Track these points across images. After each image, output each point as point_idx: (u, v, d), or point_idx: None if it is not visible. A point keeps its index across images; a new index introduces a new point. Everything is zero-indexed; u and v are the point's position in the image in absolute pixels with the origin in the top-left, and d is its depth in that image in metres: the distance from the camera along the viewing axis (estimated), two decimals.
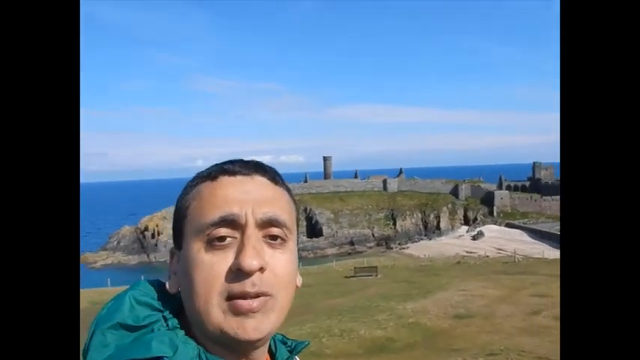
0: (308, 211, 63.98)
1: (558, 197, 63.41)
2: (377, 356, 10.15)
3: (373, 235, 63.41)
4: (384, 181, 70.81)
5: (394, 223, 64.79)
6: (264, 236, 0.65)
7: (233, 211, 0.63)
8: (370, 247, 59.95)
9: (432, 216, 65.26)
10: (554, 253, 40.34)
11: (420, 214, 66.06)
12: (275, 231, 0.65)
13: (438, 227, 64.15)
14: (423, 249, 52.02)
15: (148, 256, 58.12)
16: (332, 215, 64.09)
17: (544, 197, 64.66)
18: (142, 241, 59.94)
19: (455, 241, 56.95)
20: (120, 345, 0.61)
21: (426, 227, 65.06)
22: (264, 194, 0.66)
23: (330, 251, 58.10)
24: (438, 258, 41.37)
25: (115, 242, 61.31)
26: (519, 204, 65.61)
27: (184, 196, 0.69)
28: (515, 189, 69.49)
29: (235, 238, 0.63)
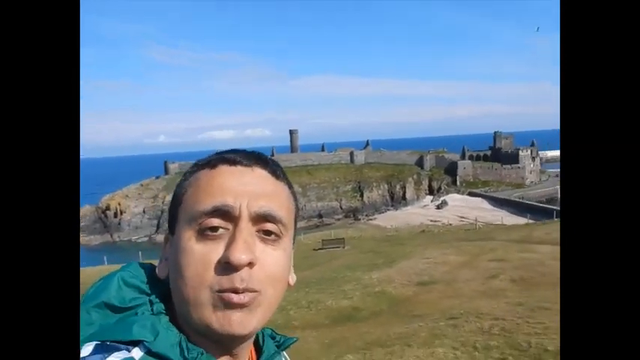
0: None
1: (517, 165, 65.70)
2: (343, 325, 10.41)
3: (341, 208, 64.08)
4: (351, 154, 71.20)
5: (361, 195, 65.58)
6: (258, 230, 0.63)
7: (227, 201, 0.62)
8: (338, 220, 60.66)
9: (398, 187, 66.37)
10: (512, 219, 42.05)
11: (386, 186, 67.06)
12: (269, 226, 0.63)
13: (404, 197, 65.38)
14: (390, 219, 53.05)
15: (111, 235, 56.87)
16: (300, 189, 64.13)
17: (504, 166, 66.77)
18: (105, 221, 58.44)
19: (420, 211, 58.35)
20: (103, 324, 0.61)
21: (392, 198, 66.19)
22: (263, 188, 0.65)
23: (298, 225, 58.16)
24: (404, 228, 42.33)
25: None
26: (481, 173, 67.59)
27: (182, 182, 0.68)
28: (478, 158, 71.34)
29: (228, 229, 0.62)
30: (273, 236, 0.64)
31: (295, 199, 0.71)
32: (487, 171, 67.57)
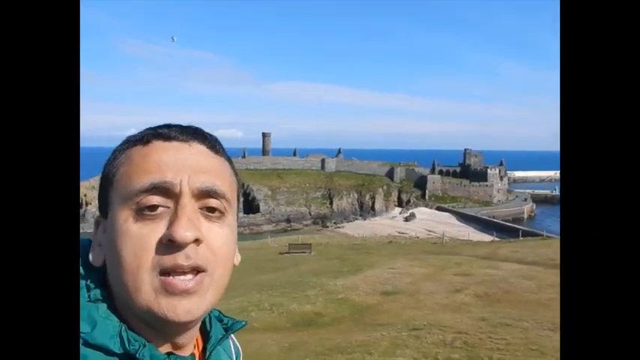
0: (245, 187, 63.09)
1: (486, 183, 67.21)
2: (304, 330, 10.19)
3: (310, 214, 63.96)
4: (323, 161, 71.33)
5: (331, 203, 65.67)
6: (201, 208, 0.59)
7: (166, 178, 0.57)
8: (307, 225, 60.49)
9: (367, 197, 66.82)
10: (478, 236, 42.89)
11: (356, 195, 67.41)
12: (213, 202, 0.60)
13: (372, 208, 65.86)
14: (358, 228, 53.24)
15: None
16: (269, 192, 63.75)
17: (472, 183, 68.20)
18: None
19: (388, 222, 58.84)
20: None
21: (361, 207, 66.56)
22: (203, 163, 0.61)
23: (266, 228, 57.90)
24: (371, 237, 42.52)
25: None
26: (450, 188, 68.81)
27: (112, 161, 0.63)
28: (447, 174, 72.67)
29: (168, 207, 0.57)
30: (217, 213, 0.60)
31: (237, 175, 0.68)
32: (456, 187, 68.85)
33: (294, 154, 74.07)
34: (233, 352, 0.76)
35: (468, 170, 71.89)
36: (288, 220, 61.63)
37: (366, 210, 65.97)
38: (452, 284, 14.51)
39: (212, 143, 0.64)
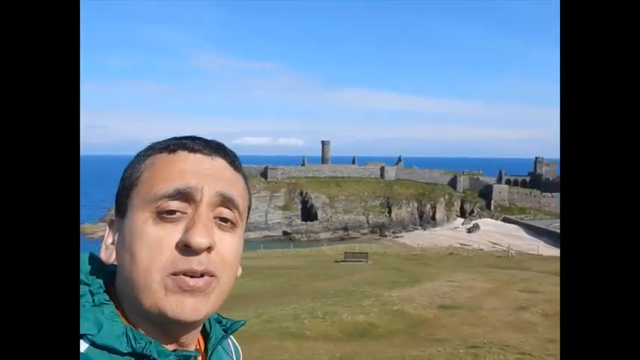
0: (304, 195, 63.81)
1: (559, 194, 63.26)
2: (357, 341, 9.93)
3: (368, 222, 63.35)
4: (382, 169, 70.50)
5: (389, 212, 64.68)
6: (215, 217, 0.63)
7: (190, 183, 0.61)
8: (364, 234, 59.96)
9: (428, 206, 65.12)
10: (550, 251, 40.26)
11: (416, 204, 65.92)
12: (227, 213, 0.64)
13: (433, 218, 64.07)
14: (417, 238, 51.95)
15: None
16: (327, 200, 63.92)
17: (544, 194, 64.34)
18: None
19: (449, 233, 56.92)
20: None
21: (421, 217, 64.98)
22: (223, 175, 0.65)
23: (323, 235, 58.07)
24: (431, 248, 41.30)
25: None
26: (518, 199, 65.38)
27: (136, 164, 0.66)
28: (515, 184, 69.20)
29: (186, 213, 0.61)
30: (229, 223, 0.64)
31: (249, 192, 0.71)
32: (525, 197, 65.27)
33: (353, 162, 73.81)
34: (232, 352, 0.79)
35: (539, 180, 68.01)
36: (346, 229, 61.36)
37: (426, 220, 64.27)
38: (517, 301, 13.63)
39: (232, 159, 0.68)
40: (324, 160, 74.64)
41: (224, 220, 0.63)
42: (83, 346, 0.57)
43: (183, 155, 0.64)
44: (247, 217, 0.70)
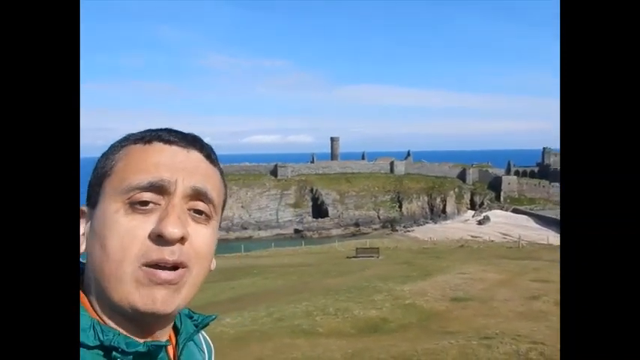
0: (314, 192, 63.89)
1: None
2: (369, 336, 10.00)
3: (379, 217, 63.29)
4: (391, 164, 70.29)
5: (400, 206, 64.53)
6: (190, 209, 0.63)
7: (163, 176, 0.61)
8: (375, 229, 59.91)
9: (438, 200, 64.87)
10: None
11: (426, 198, 65.69)
12: (201, 205, 0.63)
13: (444, 211, 63.81)
14: (428, 232, 51.83)
15: None
16: (338, 196, 63.95)
17: (552, 184, 63.78)
18: None
19: (460, 226, 56.70)
20: None
21: (432, 211, 64.75)
22: (198, 168, 0.65)
23: (335, 232, 58.12)
24: (442, 241, 41.20)
25: None
26: (527, 190, 64.91)
27: (110, 154, 0.65)
28: (524, 174, 68.65)
29: (159, 204, 0.61)
30: (203, 216, 0.64)
31: (225, 186, 0.71)
32: (534, 188, 64.81)
33: (363, 158, 73.73)
34: (205, 348, 0.78)
35: (547, 170, 67.41)
36: (357, 224, 61.38)
37: (436, 213, 64.04)
38: (529, 291, 13.60)
39: (208, 152, 0.68)
40: (333, 156, 74.60)
41: (198, 212, 0.63)
42: None
43: (158, 147, 0.64)
44: (222, 211, 0.70)
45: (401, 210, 64.18)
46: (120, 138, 0.67)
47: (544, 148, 70.83)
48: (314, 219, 61.66)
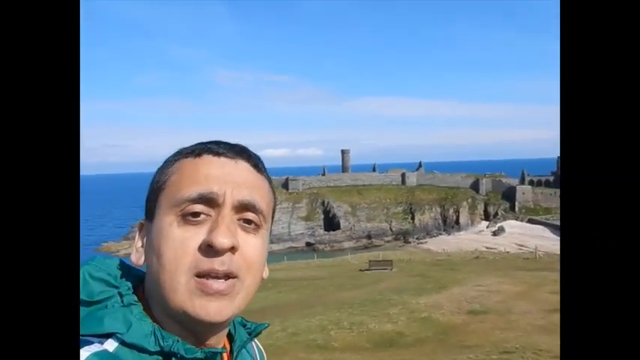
0: (326, 205, 63.77)
1: None
2: (385, 350, 9.82)
3: (391, 229, 62.85)
4: (403, 175, 70.00)
5: (412, 218, 64.06)
6: (239, 219, 0.64)
7: (212, 189, 0.63)
8: (388, 241, 59.45)
9: (451, 211, 64.27)
10: None
11: (439, 209, 65.14)
12: (250, 215, 0.65)
13: (457, 222, 63.18)
14: (442, 244, 51.26)
15: None
16: (350, 209, 63.73)
17: None
18: None
19: (474, 237, 55.99)
20: None
21: (445, 222, 64.14)
22: (246, 179, 0.66)
23: (347, 244, 57.81)
24: (456, 253, 40.67)
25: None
26: (542, 199, 63.99)
27: (164, 169, 0.68)
28: (539, 184, 67.77)
29: (210, 216, 0.63)
30: (253, 225, 0.65)
31: (274, 194, 0.72)
32: (549, 197, 63.84)
33: (374, 170, 73.52)
34: (257, 356, 0.80)
35: None
36: (369, 237, 60.97)
37: (449, 224, 63.39)
38: (548, 303, 13.28)
39: (255, 162, 0.69)
40: (344, 168, 74.57)
41: (248, 221, 0.64)
42: (113, 344, 0.59)
43: (207, 159, 0.66)
44: (272, 219, 0.71)
45: (413, 221, 63.67)
46: (173, 153, 0.70)
47: (558, 156, 70.02)
48: (326, 232, 61.43)
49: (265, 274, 0.69)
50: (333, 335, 10.90)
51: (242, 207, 0.64)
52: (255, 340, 0.80)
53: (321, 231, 61.64)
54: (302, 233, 61.23)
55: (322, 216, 63.34)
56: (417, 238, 58.51)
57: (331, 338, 10.64)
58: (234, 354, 0.71)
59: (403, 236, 60.49)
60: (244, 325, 0.75)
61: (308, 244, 59.06)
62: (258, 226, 0.65)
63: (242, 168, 0.67)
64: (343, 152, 76.65)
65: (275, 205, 0.73)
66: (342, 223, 62.07)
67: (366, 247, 55.07)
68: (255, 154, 0.71)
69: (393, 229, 62.99)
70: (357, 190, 66.72)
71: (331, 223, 62.49)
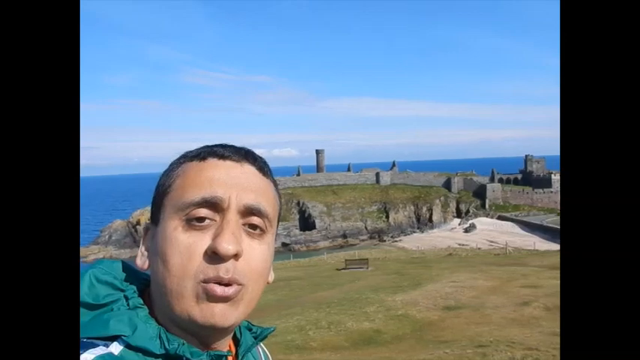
0: (301, 205, 63.70)
1: (550, 190, 63.64)
2: (363, 349, 9.92)
3: (366, 228, 63.30)
4: (377, 174, 70.63)
5: (387, 216, 64.69)
6: (244, 224, 0.63)
7: (217, 193, 0.62)
8: (363, 240, 59.87)
9: (424, 209, 65.22)
10: (546, 245, 40.44)
11: (412, 207, 65.99)
12: (256, 220, 0.64)
13: (430, 220, 64.15)
14: (416, 242, 51.97)
15: None
16: (325, 208, 63.86)
17: (535, 190, 64.75)
18: (135, 235, 59.24)
19: (447, 234, 57.00)
20: None
21: (418, 220, 65.03)
22: (251, 182, 0.65)
23: (322, 244, 57.91)
24: (430, 250, 41.33)
25: (107, 236, 60.65)
26: (511, 197, 65.69)
27: (169, 172, 0.67)
28: (508, 182, 69.52)
29: (215, 220, 0.62)
30: (258, 230, 0.64)
31: (280, 197, 0.71)
32: (518, 195, 65.62)
33: (348, 170, 73.89)
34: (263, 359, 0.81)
35: (529, 177, 68.42)
36: (345, 236, 61.26)
37: (423, 222, 64.32)
38: (519, 297, 13.71)
39: (261, 165, 0.68)
40: (319, 168, 74.67)
41: (253, 227, 0.64)
42: (118, 347, 0.58)
43: (213, 162, 0.65)
44: (278, 224, 0.71)
45: (388, 220, 64.30)
46: (178, 156, 0.69)
47: (526, 155, 71.96)
48: (301, 232, 61.37)
49: (271, 278, 0.69)
50: (311, 335, 10.93)
51: (247, 211, 0.63)
52: (261, 344, 0.80)
53: (297, 231, 61.52)
54: (278, 234, 59.96)
55: (298, 216, 63.23)
56: (391, 237, 59.13)
57: (310, 338, 10.67)
58: (240, 357, 0.71)
59: (378, 235, 61.03)
60: (250, 329, 0.74)
61: (284, 244, 58.83)
62: (263, 232, 0.65)
63: (248, 171, 0.66)
64: (318, 152, 76.75)
65: (281, 209, 0.72)
66: (318, 222, 62.12)
67: (341, 247, 55.30)
68: (260, 157, 0.70)
69: (368, 227, 63.46)
70: (332, 189, 66.92)
71: (307, 223, 62.47)
